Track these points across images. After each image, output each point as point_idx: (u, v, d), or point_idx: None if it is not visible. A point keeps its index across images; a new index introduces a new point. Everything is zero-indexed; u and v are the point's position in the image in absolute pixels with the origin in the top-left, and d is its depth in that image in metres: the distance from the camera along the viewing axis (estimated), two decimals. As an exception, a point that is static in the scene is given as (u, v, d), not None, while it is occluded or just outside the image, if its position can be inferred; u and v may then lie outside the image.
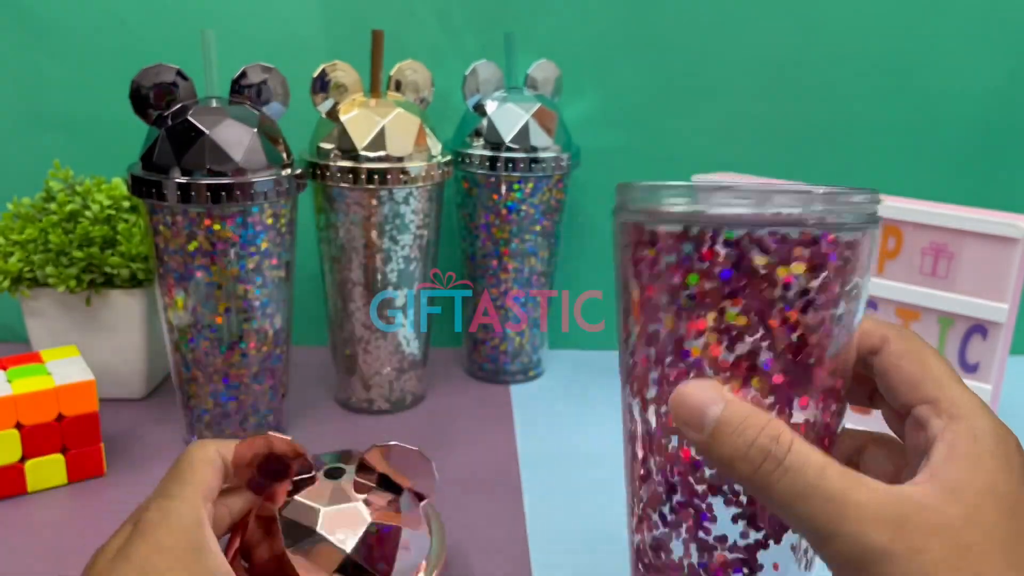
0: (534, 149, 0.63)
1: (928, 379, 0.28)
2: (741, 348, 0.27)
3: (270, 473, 0.37)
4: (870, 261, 0.28)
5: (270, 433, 0.36)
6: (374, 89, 0.59)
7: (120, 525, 0.34)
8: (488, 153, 0.63)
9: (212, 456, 0.36)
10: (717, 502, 0.28)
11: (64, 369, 0.53)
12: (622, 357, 0.30)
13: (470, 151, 0.64)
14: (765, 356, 0.27)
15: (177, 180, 0.50)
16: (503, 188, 0.64)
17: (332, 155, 0.57)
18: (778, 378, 0.27)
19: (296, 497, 0.37)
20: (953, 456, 0.25)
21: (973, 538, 0.23)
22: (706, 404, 0.26)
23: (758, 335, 0.26)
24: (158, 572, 0.30)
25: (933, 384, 0.27)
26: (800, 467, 0.24)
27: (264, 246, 0.53)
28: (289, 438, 0.36)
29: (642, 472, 0.30)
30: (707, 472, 0.28)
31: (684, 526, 0.29)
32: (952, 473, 0.25)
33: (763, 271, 0.26)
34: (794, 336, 0.27)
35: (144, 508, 0.33)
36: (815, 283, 0.26)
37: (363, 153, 0.57)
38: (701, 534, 0.29)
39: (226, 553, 0.37)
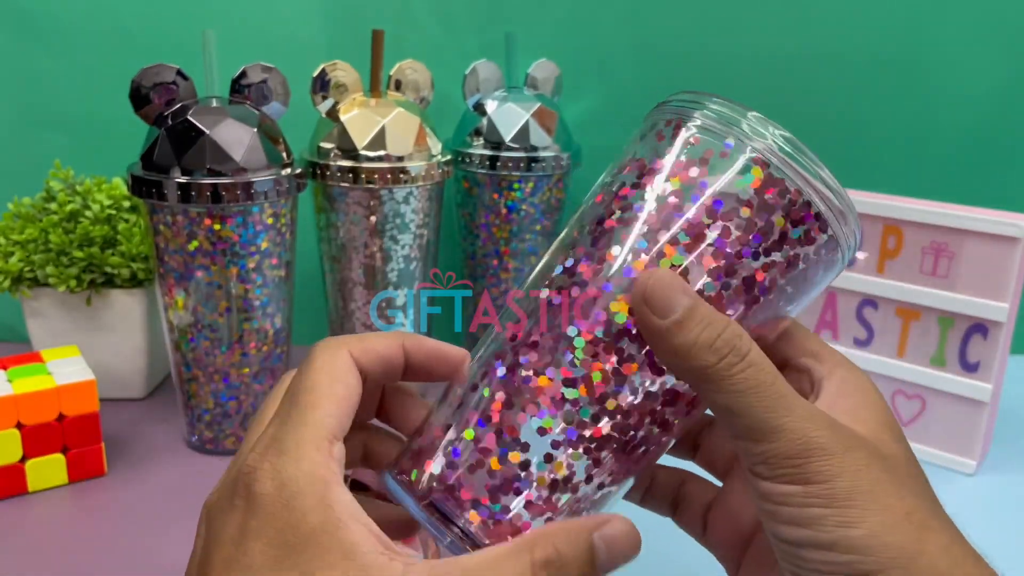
0: (534, 148, 0.63)
1: (809, 337, 0.31)
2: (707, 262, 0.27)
3: None
4: (821, 276, 0.30)
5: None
6: (374, 89, 0.59)
7: (224, 477, 0.27)
8: (488, 152, 0.63)
9: (343, 369, 0.27)
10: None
11: (65, 369, 0.53)
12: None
13: (470, 151, 0.64)
14: (720, 281, 0.27)
15: (177, 180, 0.50)
16: (503, 188, 0.64)
17: (332, 155, 0.57)
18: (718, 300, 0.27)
19: None
20: (845, 392, 0.28)
21: (885, 451, 0.26)
22: (677, 291, 0.26)
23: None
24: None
25: (814, 341, 0.31)
26: (760, 364, 0.26)
27: (264, 246, 0.53)
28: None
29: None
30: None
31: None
32: (849, 404, 0.28)
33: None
34: (750, 271, 0.27)
35: (253, 468, 0.25)
36: (787, 239, 0.28)
37: (363, 153, 0.57)
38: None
39: None
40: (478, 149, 0.64)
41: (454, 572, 0.24)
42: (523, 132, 0.63)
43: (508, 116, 0.63)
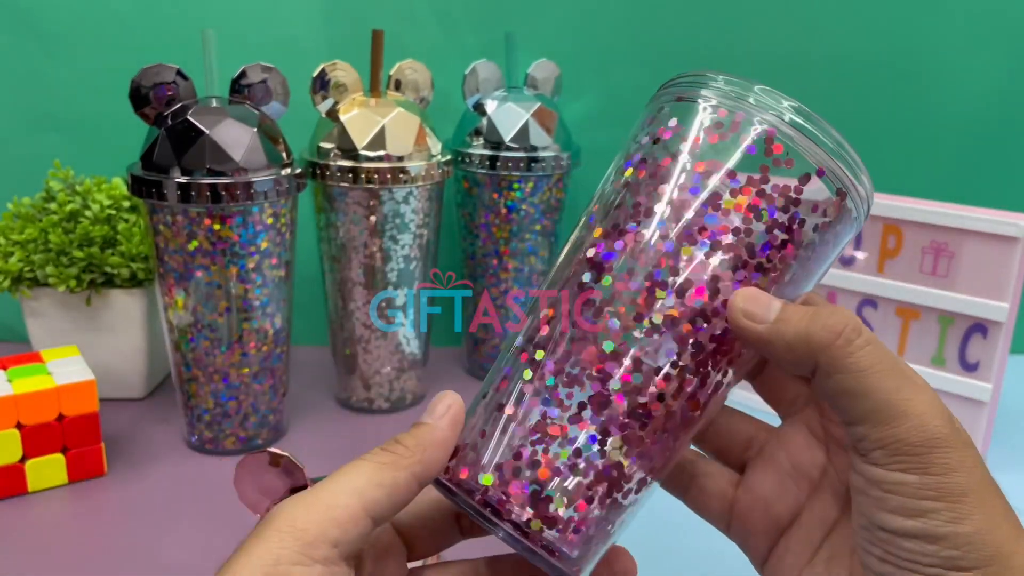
0: (534, 148, 0.63)
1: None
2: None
3: (269, 489, 0.37)
4: (831, 250, 0.30)
5: (271, 450, 0.36)
6: (374, 89, 0.59)
7: None
8: (488, 152, 0.63)
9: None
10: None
11: (64, 369, 0.53)
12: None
13: (470, 150, 0.64)
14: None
15: (177, 180, 0.50)
16: (503, 187, 0.64)
17: (332, 155, 0.57)
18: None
19: None
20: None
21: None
22: (765, 297, 0.27)
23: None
24: None
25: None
26: (879, 342, 0.26)
27: (264, 246, 0.53)
28: (288, 454, 0.36)
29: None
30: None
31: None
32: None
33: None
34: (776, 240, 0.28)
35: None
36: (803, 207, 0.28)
37: (363, 152, 0.57)
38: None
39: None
40: (478, 149, 0.64)
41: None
42: (523, 132, 0.63)
43: (508, 116, 0.63)
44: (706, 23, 0.69)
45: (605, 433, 0.27)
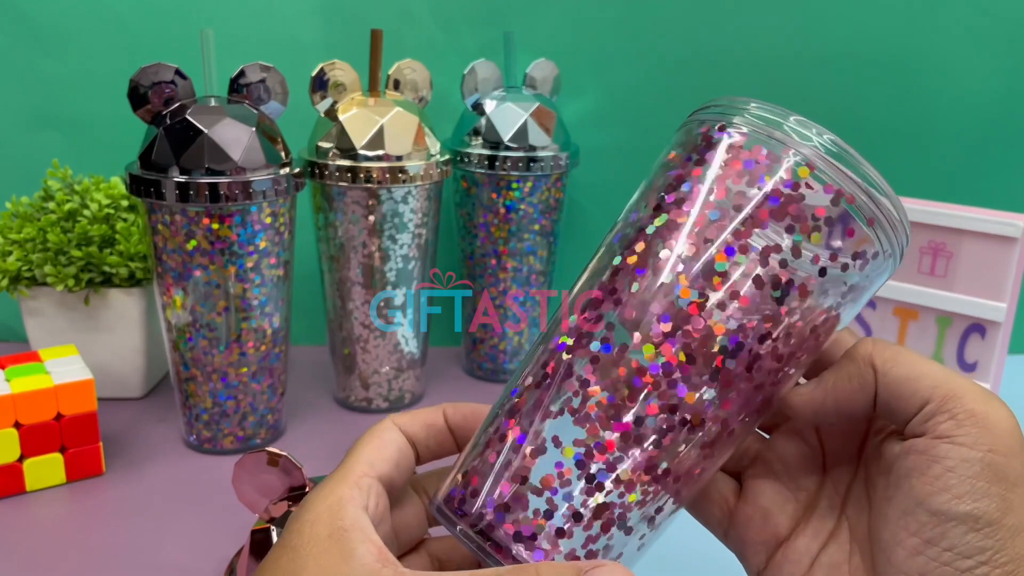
0: (533, 148, 0.63)
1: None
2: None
3: (267, 489, 0.37)
4: (872, 280, 0.29)
5: (269, 449, 0.36)
6: (373, 88, 0.59)
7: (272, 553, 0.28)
8: (487, 152, 0.63)
9: (381, 428, 0.30)
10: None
11: (63, 368, 0.53)
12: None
13: (469, 150, 0.64)
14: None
15: (176, 179, 0.50)
16: (502, 187, 0.64)
17: (331, 154, 0.57)
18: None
19: (292, 510, 0.37)
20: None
21: None
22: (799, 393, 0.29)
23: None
24: None
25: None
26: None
27: (263, 245, 0.53)
28: (286, 453, 0.36)
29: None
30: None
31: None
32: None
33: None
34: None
35: (294, 515, 0.28)
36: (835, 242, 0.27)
37: (362, 152, 0.57)
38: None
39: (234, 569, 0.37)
40: (477, 149, 0.64)
41: None
42: (522, 132, 0.63)
43: (507, 116, 0.63)
44: (705, 23, 0.69)
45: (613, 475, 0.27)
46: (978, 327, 0.55)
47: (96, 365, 0.61)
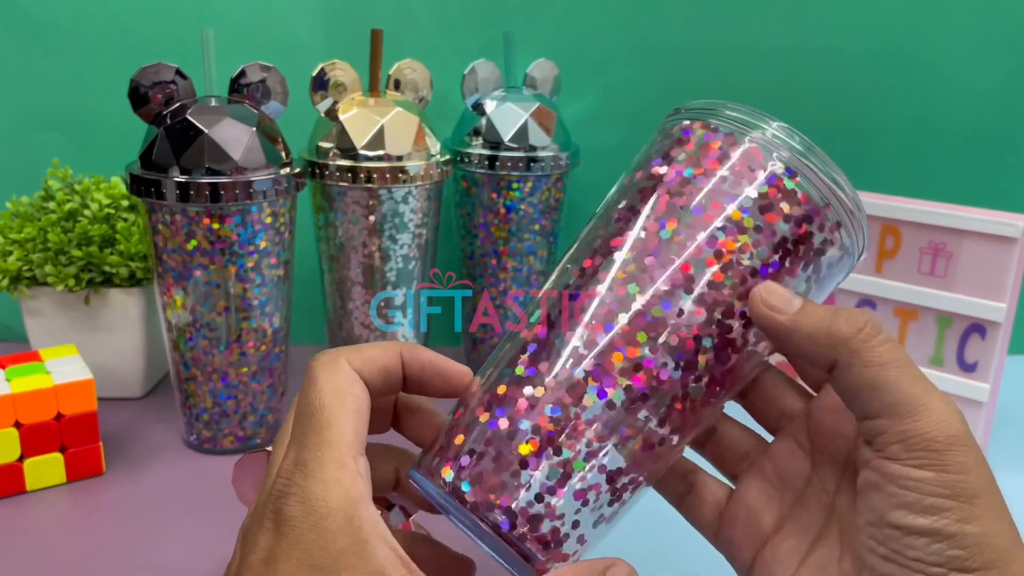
0: (533, 148, 0.63)
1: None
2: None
3: None
4: (832, 279, 0.31)
5: (269, 449, 0.36)
6: (373, 88, 0.59)
7: (254, 510, 0.27)
8: (487, 152, 0.63)
9: (347, 382, 0.27)
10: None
11: (63, 368, 0.53)
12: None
13: (469, 150, 0.64)
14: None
15: (176, 179, 0.50)
16: (502, 187, 0.64)
17: (331, 154, 0.57)
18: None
19: None
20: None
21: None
22: (785, 291, 0.28)
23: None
24: None
25: None
26: (895, 340, 0.27)
27: (263, 245, 0.53)
28: None
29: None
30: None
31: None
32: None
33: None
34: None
35: (282, 493, 0.25)
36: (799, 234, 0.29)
37: (362, 152, 0.57)
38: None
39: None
40: (477, 149, 0.64)
41: None
42: (522, 132, 0.63)
43: (507, 116, 0.63)
44: (705, 22, 0.69)
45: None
46: (978, 327, 0.55)
47: (96, 365, 0.61)
